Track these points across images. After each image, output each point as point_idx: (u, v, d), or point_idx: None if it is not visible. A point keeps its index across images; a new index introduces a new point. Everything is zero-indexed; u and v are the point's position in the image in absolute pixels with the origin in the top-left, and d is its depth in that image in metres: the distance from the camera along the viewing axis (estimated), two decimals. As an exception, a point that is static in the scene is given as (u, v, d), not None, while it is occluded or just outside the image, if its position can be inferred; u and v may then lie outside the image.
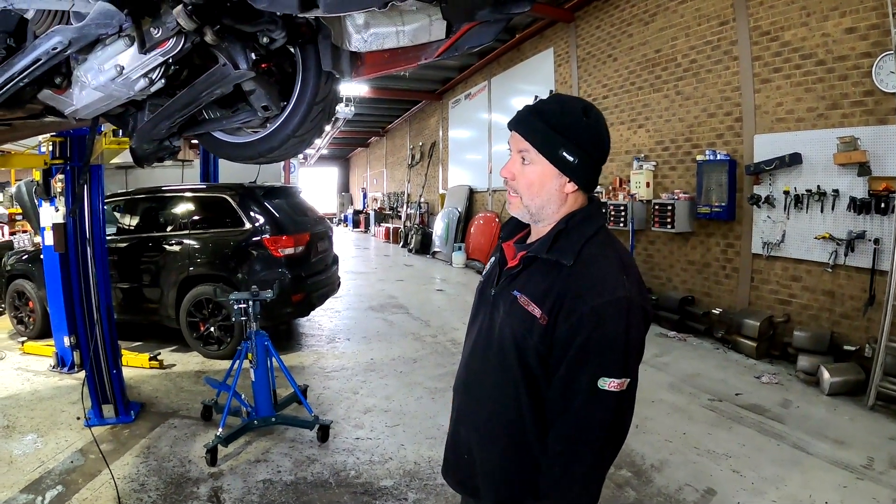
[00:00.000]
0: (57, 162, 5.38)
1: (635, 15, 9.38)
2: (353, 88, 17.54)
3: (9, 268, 8.29)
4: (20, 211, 8.47)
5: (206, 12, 1.81)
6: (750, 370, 6.43)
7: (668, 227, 8.24)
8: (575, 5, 10.85)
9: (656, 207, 8.47)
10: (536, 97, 11.37)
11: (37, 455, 4.67)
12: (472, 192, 16.96)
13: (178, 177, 12.01)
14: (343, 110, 18.77)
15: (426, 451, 4.58)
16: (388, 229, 23.82)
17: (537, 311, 1.55)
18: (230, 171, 9.33)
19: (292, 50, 2.53)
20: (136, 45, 1.90)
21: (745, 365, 6.62)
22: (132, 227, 7.87)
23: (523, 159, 1.64)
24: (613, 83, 10.02)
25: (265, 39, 2.15)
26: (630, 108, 9.61)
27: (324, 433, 4.77)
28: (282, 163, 16.56)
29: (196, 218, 7.53)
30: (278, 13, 1.99)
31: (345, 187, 42.69)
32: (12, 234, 11.83)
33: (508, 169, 1.67)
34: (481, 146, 16.24)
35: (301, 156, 32.98)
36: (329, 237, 8.35)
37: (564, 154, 1.57)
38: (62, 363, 6.59)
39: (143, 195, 8.11)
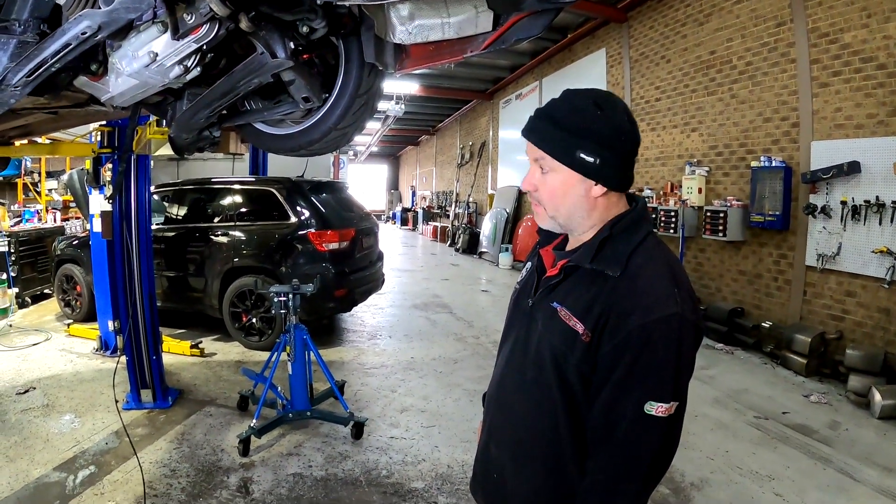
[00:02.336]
0: (105, 151, 5.48)
1: (690, 15, 9.15)
2: (404, 86, 17.54)
3: (59, 252, 8.60)
4: (73, 198, 8.72)
5: None
6: (798, 388, 6.18)
7: (720, 234, 8.01)
8: (628, 5, 10.65)
9: (708, 214, 8.25)
10: None
11: (73, 435, 4.79)
12: (520, 193, 16.80)
13: (229, 169, 12.22)
14: (393, 108, 18.84)
15: (460, 455, 4.52)
16: (435, 228, 23.85)
17: (580, 327, 1.42)
18: (279, 165, 9.44)
19: (335, 41, 2.50)
20: (169, 31, 1.88)
21: (793, 382, 6.37)
22: (180, 217, 8.03)
23: (542, 168, 1.52)
24: (667, 85, 9.78)
25: (305, 29, 2.10)
26: (683, 111, 9.37)
27: (358, 430, 4.75)
28: (331, 158, 16.75)
29: (243, 210, 7.64)
30: (318, 1, 1.95)
31: (394, 185, 42.89)
32: (65, 220, 12.19)
33: (529, 181, 1.56)
34: (531, 147, 16.10)
35: (351, 152, 33.40)
36: (375, 234, 8.35)
37: (582, 156, 1.43)
38: (105, 347, 6.76)
39: (192, 186, 8.27)
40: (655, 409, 1.33)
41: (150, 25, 1.92)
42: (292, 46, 2.08)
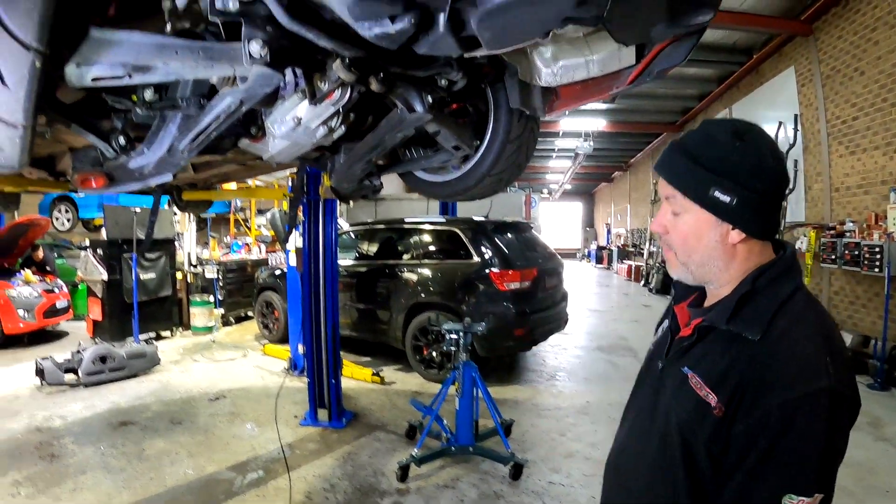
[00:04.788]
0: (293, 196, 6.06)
1: (879, 18, 8.13)
2: (591, 123, 17.51)
3: (261, 281, 9.85)
4: (274, 233, 9.84)
5: (367, 63, 1.91)
6: None
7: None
8: (811, 15, 9.71)
9: (916, 251, 7.25)
10: (780, 124, 10.11)
11: (250, 441, 5.38)
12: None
13: (424, 209, 12.90)
14: (582, 146, 18.85)
15: (617, 512, 4.30)
16: (630, 267, 23.19)
17: (712, 399, 1.23)
18: (468, 205, 9.79)
19: (485, 88, 2.60)
20: (307, 98, 2.09)
21: None
22: (371, 254, 8.59)
23: (673, 208, 1.38)
24: (863, 101, 8.70)
25: (444, 82, 2.22)
26: (884, 129, 8.25)
27: (517, 471, 4.72)
28: (522, 197, 17.06)
29: (429, 249, 8.01)
30: (453, 55, 2.06)
31: (589, 222, 42.38)
32: (270, 252, 13.63)
33: (658, 222, 1.42)
34: (723, 180, 15.12)
35: (545, 190, 33.78)
36: (559, 274, 8.31)
37: (717, 194, 1.27)
38: (294, 366, 7.44)
39: (383, 225, 8.88)
40: (796, 503, 1.13)
41: (293, 94, 2.16)
42: (430, 100, 2.20)
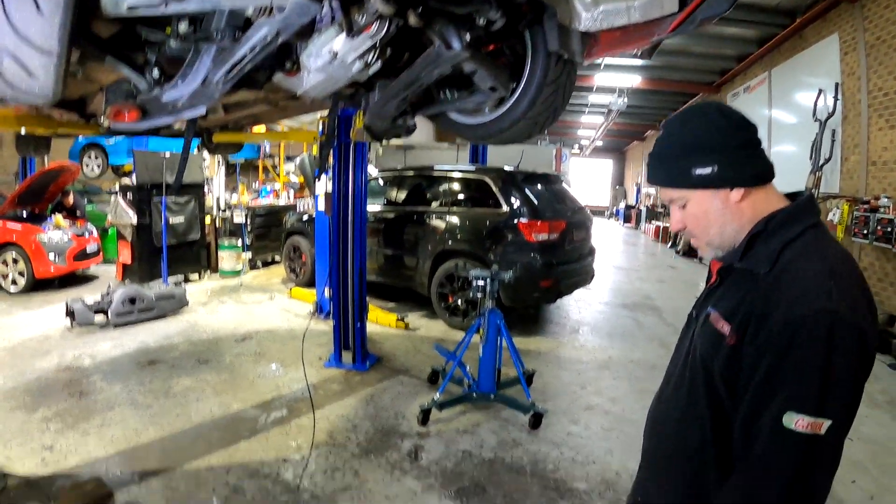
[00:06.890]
0: (324, 139, 6.04)
1: None
2: (626, 79, 16.99)
3: (289, 226, 9.96)
4: (304, 178, 9.86)
5: None
6: None
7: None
8: None
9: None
10: (821, 91, 9.77)
11: (275, 381, 5.52)
12: (743, 193, 15.54)
13: (453, 158, 12.83)
14: (616, 102, 18.46)
15: (633, 464, 4.29)
16: (658, 227, 22.83)
17: (726, 329, 1.31)
18: (499, 156, 9.70)
19: (524, 31, 2.55)
20: (345, 31, 2.07)
21: None
22: (400, 201, 8.60)
23: (679, 204, 1.47)
24: None
25: (482, 21, 2.18)
26: None
27: (536, 420, 4.74)
28: (553, 151, 16.85)
29: (458, 197, 7.99)
30: None
31: (619, 181, 41.61)
32: (298, 197, 13.73)
33: (674, 222, 1.51)
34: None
35: (576, 146, 33.31)
36: (587, 228, 8.26)
37: (698, 172, 1.38)
38: (320, 310, 7.53)
39: (413, 172, 8.84)
40: (796, 422, 1.15)
41: (329, 27, 2.14)
42: (468, 38, 2.17)
